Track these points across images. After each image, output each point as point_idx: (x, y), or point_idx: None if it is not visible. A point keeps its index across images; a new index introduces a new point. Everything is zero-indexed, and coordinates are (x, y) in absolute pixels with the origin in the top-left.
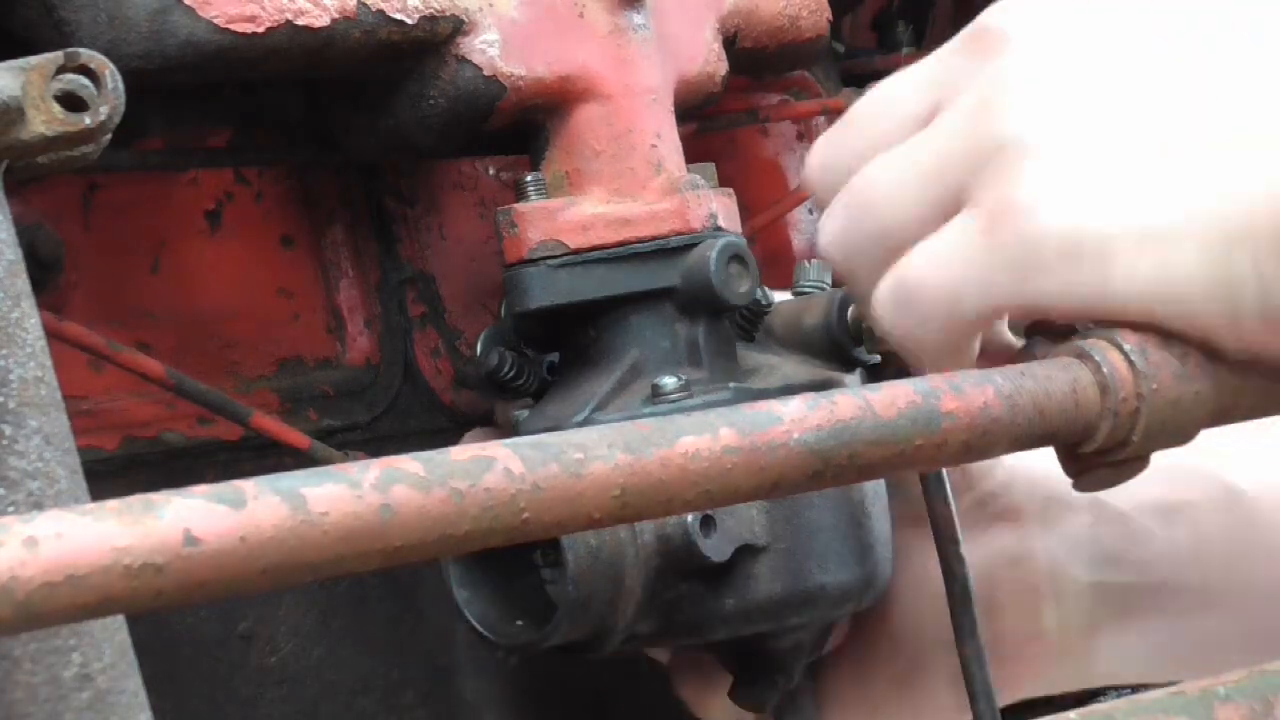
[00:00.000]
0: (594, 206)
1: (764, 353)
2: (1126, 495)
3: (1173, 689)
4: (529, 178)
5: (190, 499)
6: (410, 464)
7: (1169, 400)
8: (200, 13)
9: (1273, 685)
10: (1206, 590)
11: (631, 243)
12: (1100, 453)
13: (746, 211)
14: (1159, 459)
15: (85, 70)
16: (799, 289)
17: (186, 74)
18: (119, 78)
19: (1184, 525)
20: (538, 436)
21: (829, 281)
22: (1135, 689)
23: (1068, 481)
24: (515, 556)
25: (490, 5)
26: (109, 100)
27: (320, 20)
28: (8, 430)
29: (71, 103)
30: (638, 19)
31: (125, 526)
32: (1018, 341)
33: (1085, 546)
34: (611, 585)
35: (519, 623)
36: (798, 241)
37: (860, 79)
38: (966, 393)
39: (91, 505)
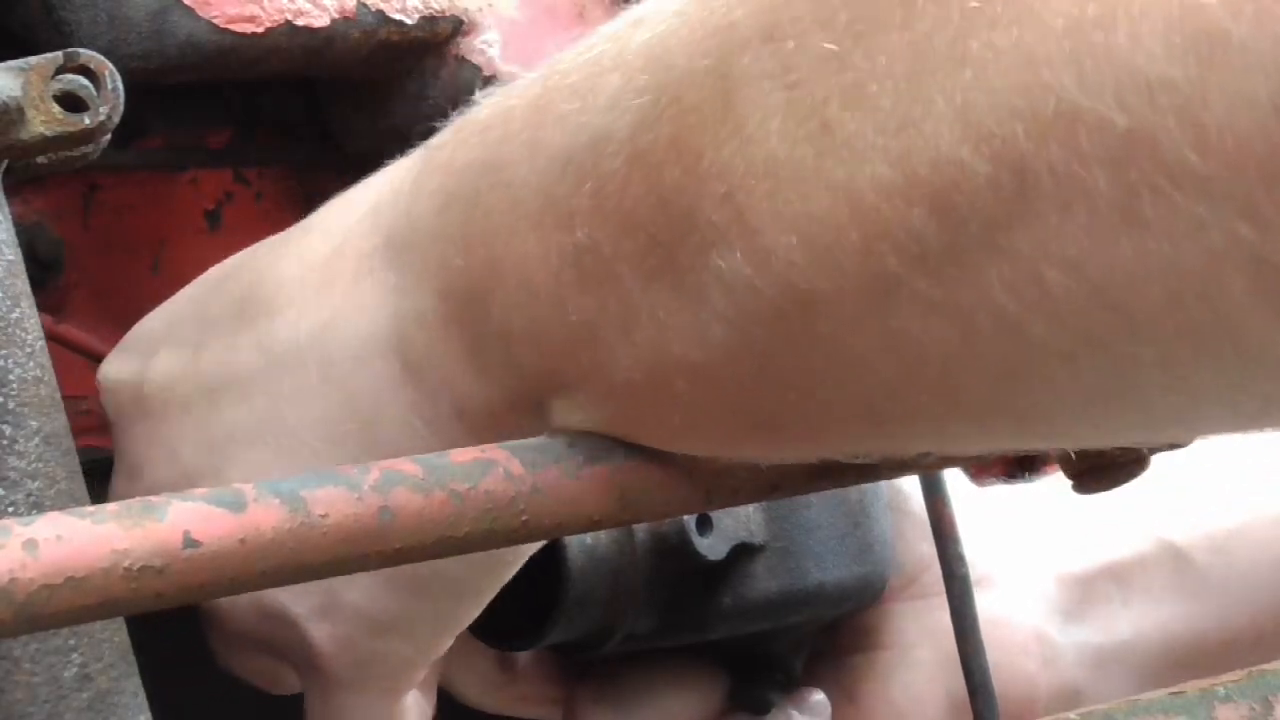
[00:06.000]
0: None
1: None
2: (1079, 560)
3: (1172, 689)
4: None
5: (190, 501)
6: (410, 466)
7: None
8: (200, 13)
9: (1272, 685)
10: (1167, 645)
11: None
12: (1100, 453)
13: None
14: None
15: (85, 70)
16: None
17: (186, 74)
18: (119, 78)
19: (1136, 585)
20: (538, 439)
21: None
22: None
23: (1030, 549)
24: None
25: (490, 5)
26: (109, 100)
27: (320, 20)
28: (7, 430)
29: (71, 103)
30: None
31: (125, 529)
32: None
33: (1055, 610)
34: (609, 584)
35: (515, 622)
36: None
37: None
38: None
39: (91, 507)
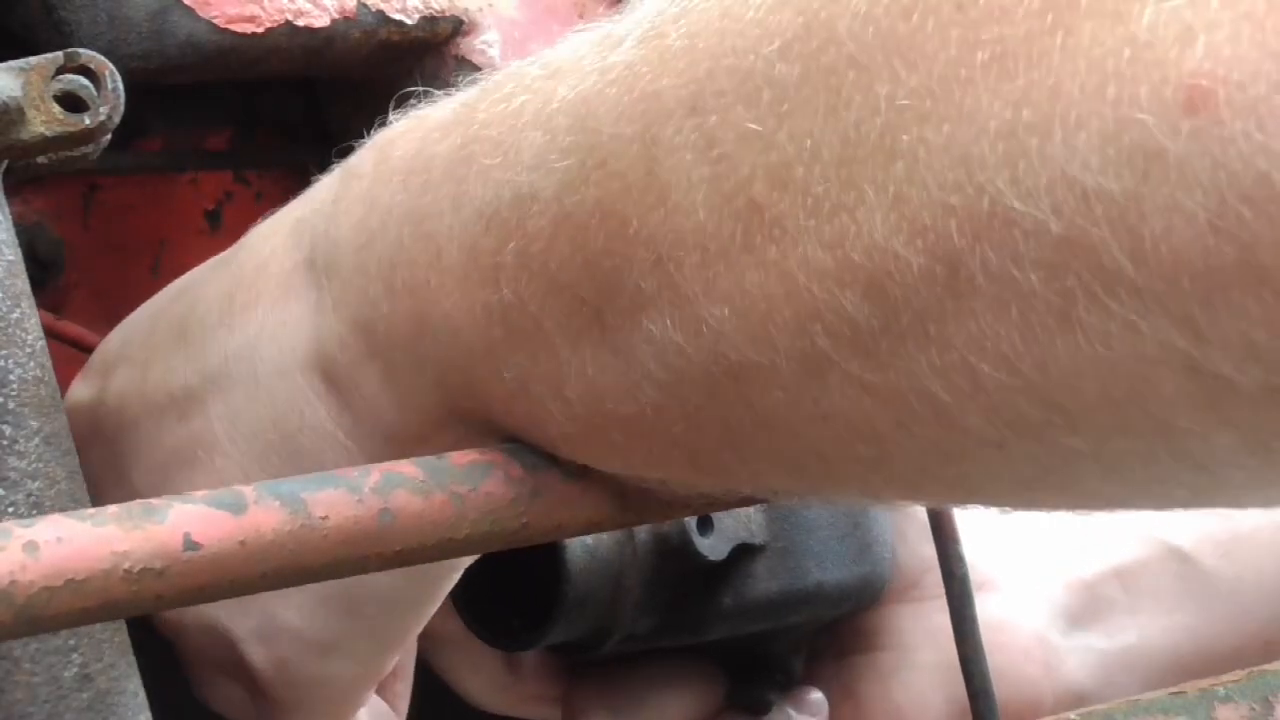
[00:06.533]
0: None
1: None
2: (1085, 564)
3: (1173, 689)
4: None
5: (190, 503)
6: (410, 469)
7: None
8: (200, 13)
9: (1272, 685)
10: (1175, 651)
11: None
12: None
13: None
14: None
15: (85, 70)
16: None
17: (186, 74)
18: (119, 78)
19: (1143, 590)
20: None
21: None
22: None
23: (1035, 553)
24: (512, 554)
25: (490, 5)
26: (109, 100)
27: (320, 20)
28: (7, 430)
29: (71, 103)
30: None
31: (125, 531)
32: None
33: (1060, 615)
34: (609, 585)
35: (515, 621)
36: None
37: None
38: None
39: (91, 509)
